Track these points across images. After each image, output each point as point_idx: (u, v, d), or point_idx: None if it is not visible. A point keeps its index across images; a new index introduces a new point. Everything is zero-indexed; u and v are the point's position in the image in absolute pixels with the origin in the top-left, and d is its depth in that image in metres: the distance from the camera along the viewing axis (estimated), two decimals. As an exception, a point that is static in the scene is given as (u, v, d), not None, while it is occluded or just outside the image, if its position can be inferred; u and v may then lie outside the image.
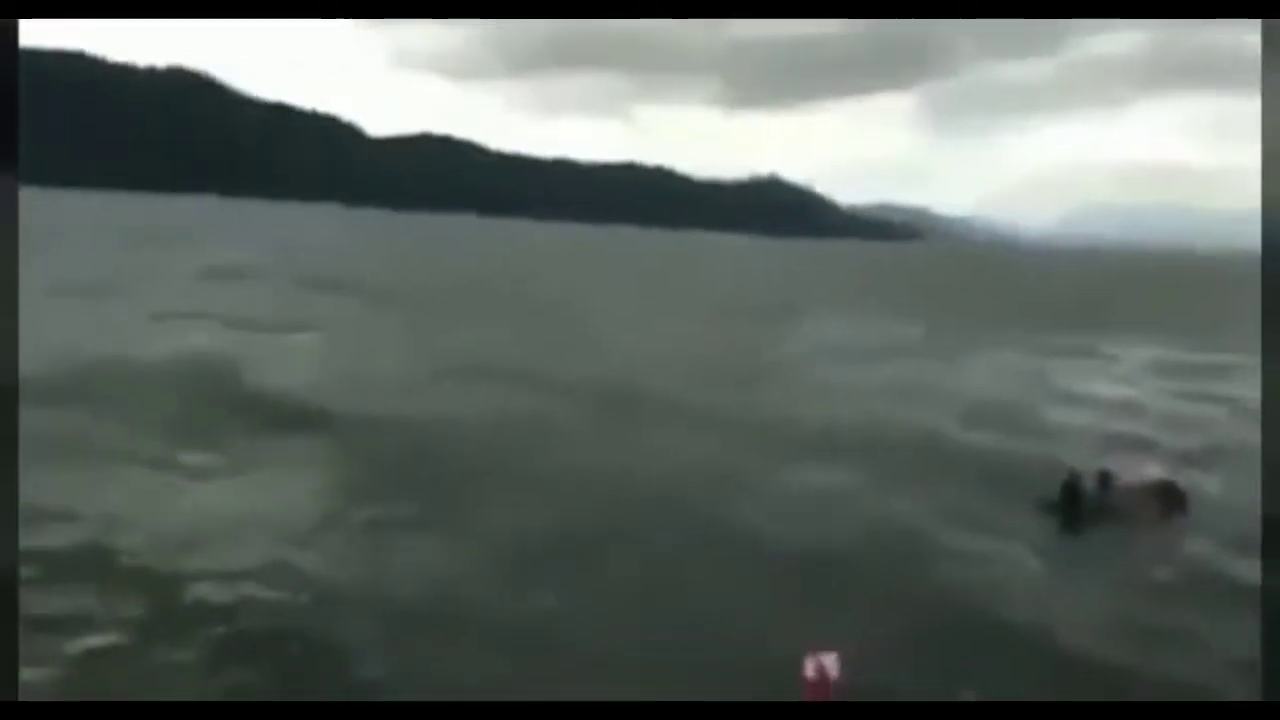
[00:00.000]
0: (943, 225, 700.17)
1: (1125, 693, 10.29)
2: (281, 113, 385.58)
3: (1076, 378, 35.00)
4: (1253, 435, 23.83)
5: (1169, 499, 17.19)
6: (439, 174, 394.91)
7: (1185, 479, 18.11)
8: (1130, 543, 15.96)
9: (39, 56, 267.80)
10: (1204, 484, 18.68)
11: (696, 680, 10.25)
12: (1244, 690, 9.93)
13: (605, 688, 9.79)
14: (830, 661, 8.73)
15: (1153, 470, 18.67)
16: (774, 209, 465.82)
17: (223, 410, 21.59)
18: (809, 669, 8.72)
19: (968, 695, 9.96)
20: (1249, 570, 13.32)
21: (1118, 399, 30.95)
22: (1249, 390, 33.01)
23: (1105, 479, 17.40)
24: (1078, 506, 16.95)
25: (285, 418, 21.02)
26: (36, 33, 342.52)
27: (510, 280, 69.33)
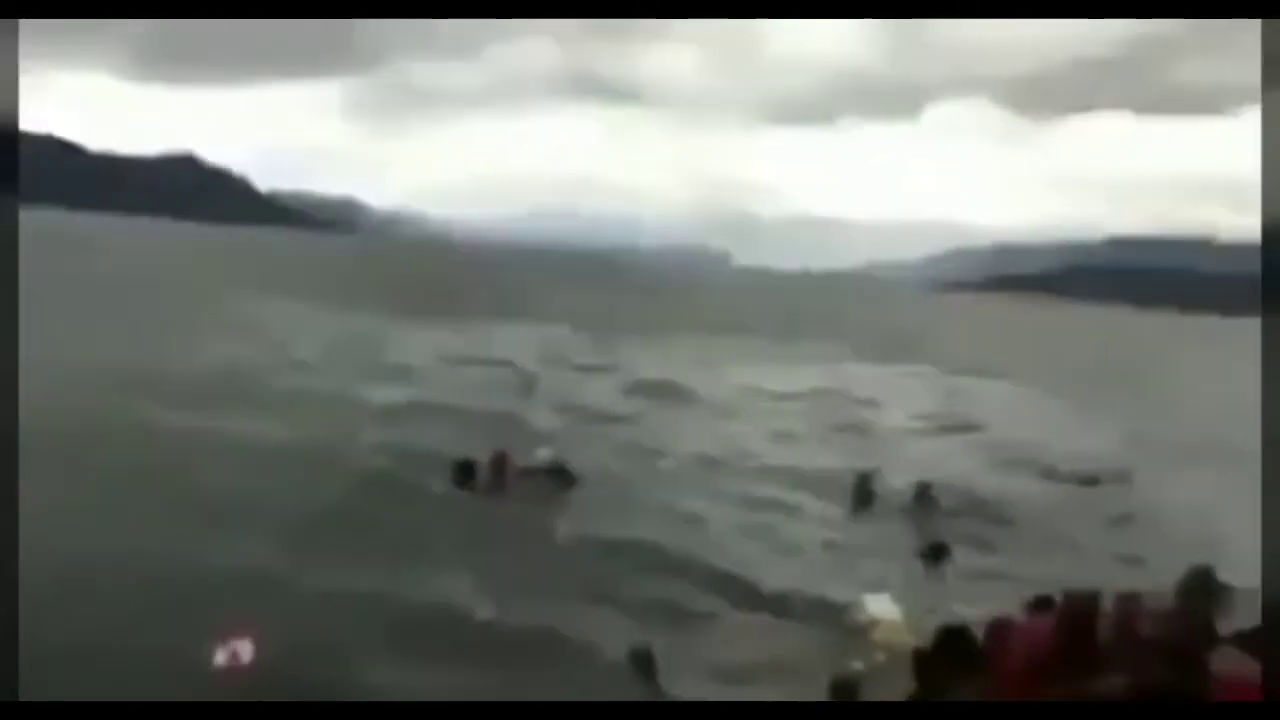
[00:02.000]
0: (371, 217, 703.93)
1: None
2: None
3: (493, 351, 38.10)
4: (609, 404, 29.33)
5: (559, 480, 18.66)
6: None
7: (573, 460, 19.61)
8: (513, 516, 17.17)
9: None
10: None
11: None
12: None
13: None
14: (244, 648, 8.75)
15: (544, 452, 19.98)
16: (190, 191, 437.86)
17: None
18: (220, 657, 8.83)
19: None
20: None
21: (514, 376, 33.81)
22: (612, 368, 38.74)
23: (499, 461, 18.45)
24: (472, 482, 17.99)
25: None
26: None
27: None
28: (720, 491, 20.36)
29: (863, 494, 20.13)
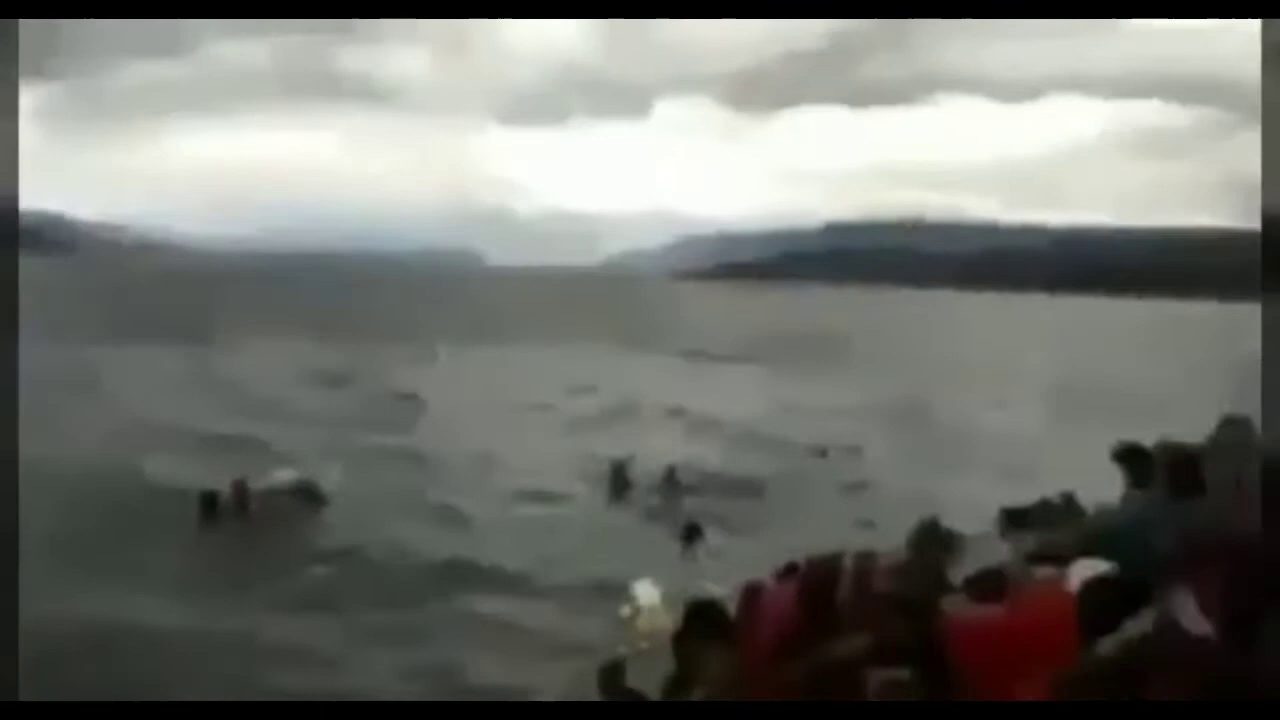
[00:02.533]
0: (84, 233, 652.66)
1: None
2: None
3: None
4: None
5: (307, 499, 18.28)
6: None
7: (323, 477, 19.25)
8: (267, 540, 16.86)
9: None
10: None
11: None
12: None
13: None
14: None
15: (285, 474, 19.14)
16: None
17: None
18: None
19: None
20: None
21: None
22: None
23: (240, 487, 17.73)
24: (214, 513, 17.38)
25: None
26: None
27: None
28: (481, 494, 20.21)
29: (619, 482, 20.55)
